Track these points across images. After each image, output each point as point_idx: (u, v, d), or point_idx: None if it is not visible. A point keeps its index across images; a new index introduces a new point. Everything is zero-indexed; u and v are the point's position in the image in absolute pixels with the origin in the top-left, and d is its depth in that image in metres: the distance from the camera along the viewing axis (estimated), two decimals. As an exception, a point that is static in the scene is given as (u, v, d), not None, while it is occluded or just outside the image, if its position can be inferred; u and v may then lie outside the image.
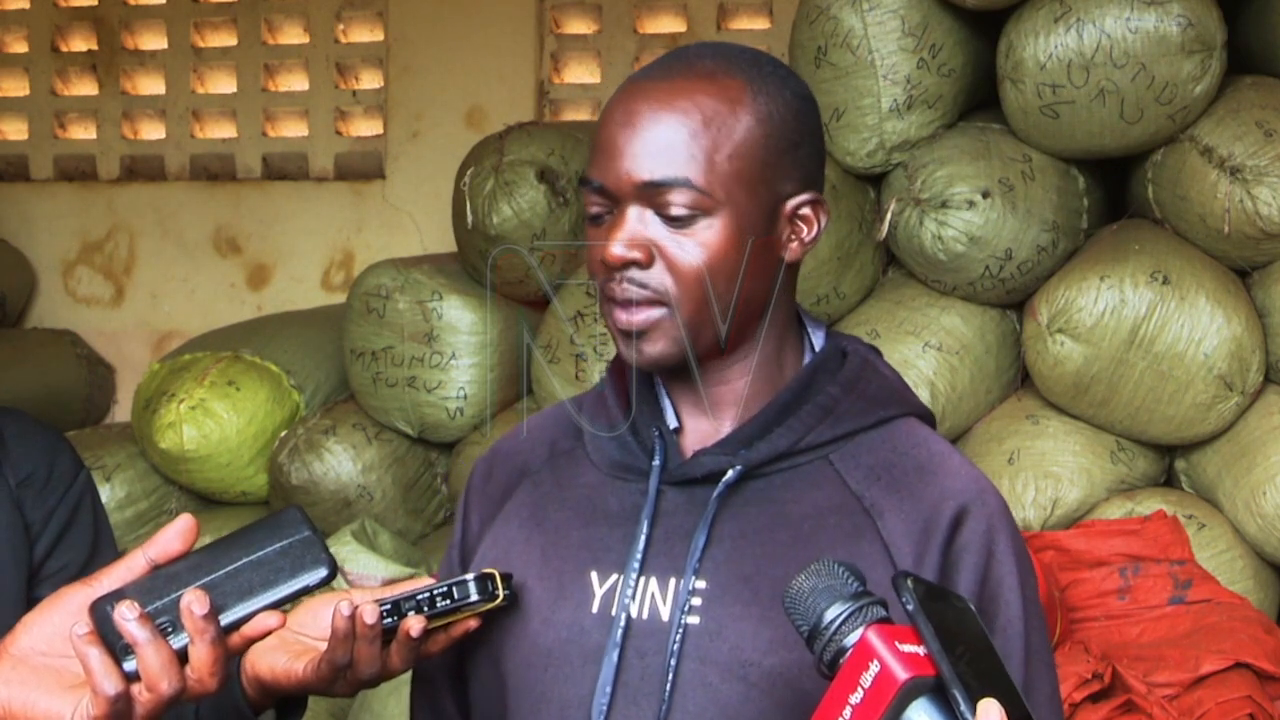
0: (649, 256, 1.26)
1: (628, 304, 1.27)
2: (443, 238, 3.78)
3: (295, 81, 4.46)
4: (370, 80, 4.39)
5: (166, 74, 4.54)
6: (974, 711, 0.90)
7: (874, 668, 0.93)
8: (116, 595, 1.03)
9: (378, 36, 4.35)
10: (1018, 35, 2.88)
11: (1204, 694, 2.46)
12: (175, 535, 1.07)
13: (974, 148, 2.98)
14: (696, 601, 1.26)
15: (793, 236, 1.32)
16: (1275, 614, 2.83)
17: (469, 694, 1.38)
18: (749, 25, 4.16)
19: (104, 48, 4.59)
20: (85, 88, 4.64)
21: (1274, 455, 2.75)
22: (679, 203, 1.25)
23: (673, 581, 1.27)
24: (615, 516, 1.31)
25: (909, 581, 0.96)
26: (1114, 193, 3.19)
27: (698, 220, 1.26)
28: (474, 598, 1.19)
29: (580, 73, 4.25)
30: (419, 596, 1.19)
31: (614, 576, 1.29)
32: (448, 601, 1.18)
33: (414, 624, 1.18)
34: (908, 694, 0.92)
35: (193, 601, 1.02)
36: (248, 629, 1.05)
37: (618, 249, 1.26)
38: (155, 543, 1.07)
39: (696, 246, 1.26)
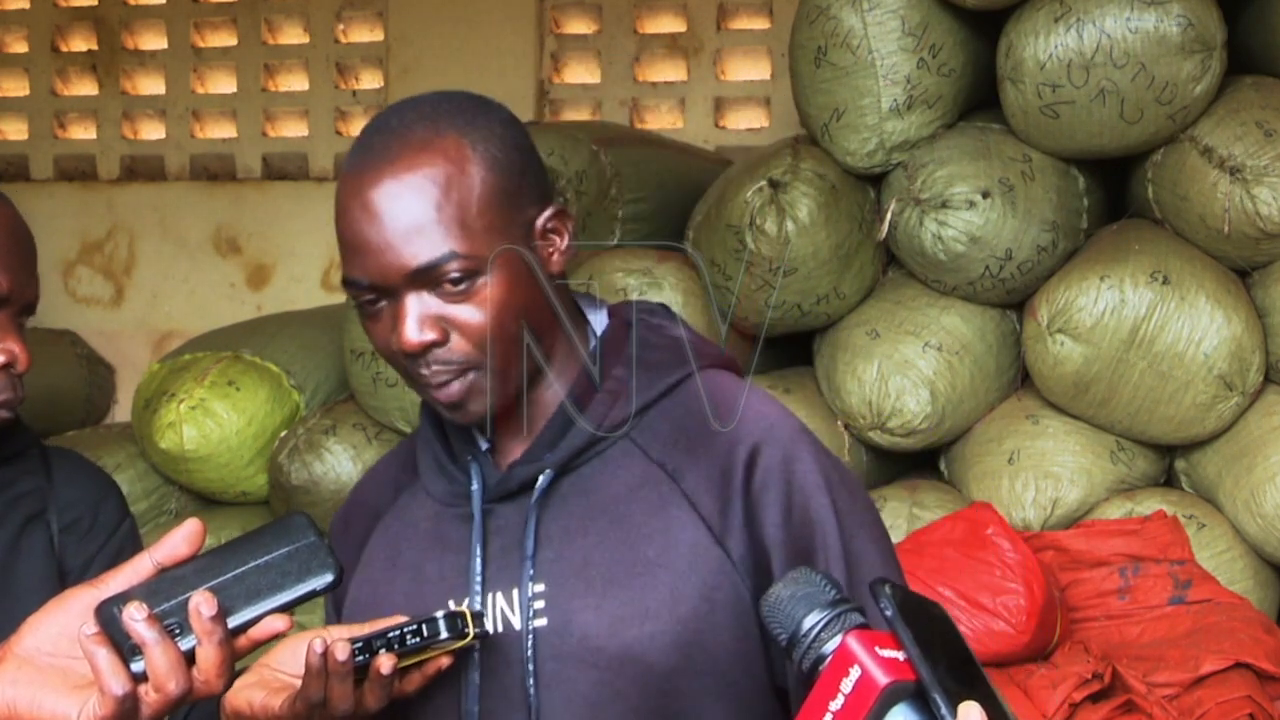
0: (444, 334, 1.29)
1: (441, 384, 1.30)
2: (443, 238, 3.77)
3: (295, 81, 4.46)
4: (370, 80, 4.39)
5: (166, 74, 4.54)
6: (955, 715, 0.90)
7: (854, 673, 0.93)
8: (123, 597, 1.04)
9: (378, 36, 4.35)
10: (1018, 35, 2.88)
11: (1204, 694, 2.46)
12: (182, 539, 1.07)
13: (974, 148, 2.98)
14: (540, 604, 1.31)
15: (549, 250, 1.36)
16: (1275, 614, 2.83)
17: None
18: (749, 25, 4.16)
19: (104, 48, 4.59)
20: (85, 88, 4.65)
21: (1274, 455, 2.75)
22: (452, 275, 1.28)
23: (515, 592, 1.32)
24: (457, 544, 1.36)
25: (887, 588, 0.96)
26: (1114, 193, 3.19)
27: (473, 283, 1.29)
28: (444, 635, 1.20)
29: (580, 73, 4.25)
30: (390, 634, 1.21)
31: (466, 600, 1.33)
32: (417, 639, 1.20)
33: (384, 662, 1.20)
34: (889, 699, 0.92)
35: (201, 603, 1.02)
36: (255, 631, 1.06)
37: (413, 336, 1.28)
38: (162, 546, 1.07)
39: (480, 307, 1.29)
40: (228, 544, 1.09)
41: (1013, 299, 3.04)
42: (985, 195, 2.92)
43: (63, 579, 1.55)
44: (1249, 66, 3.04)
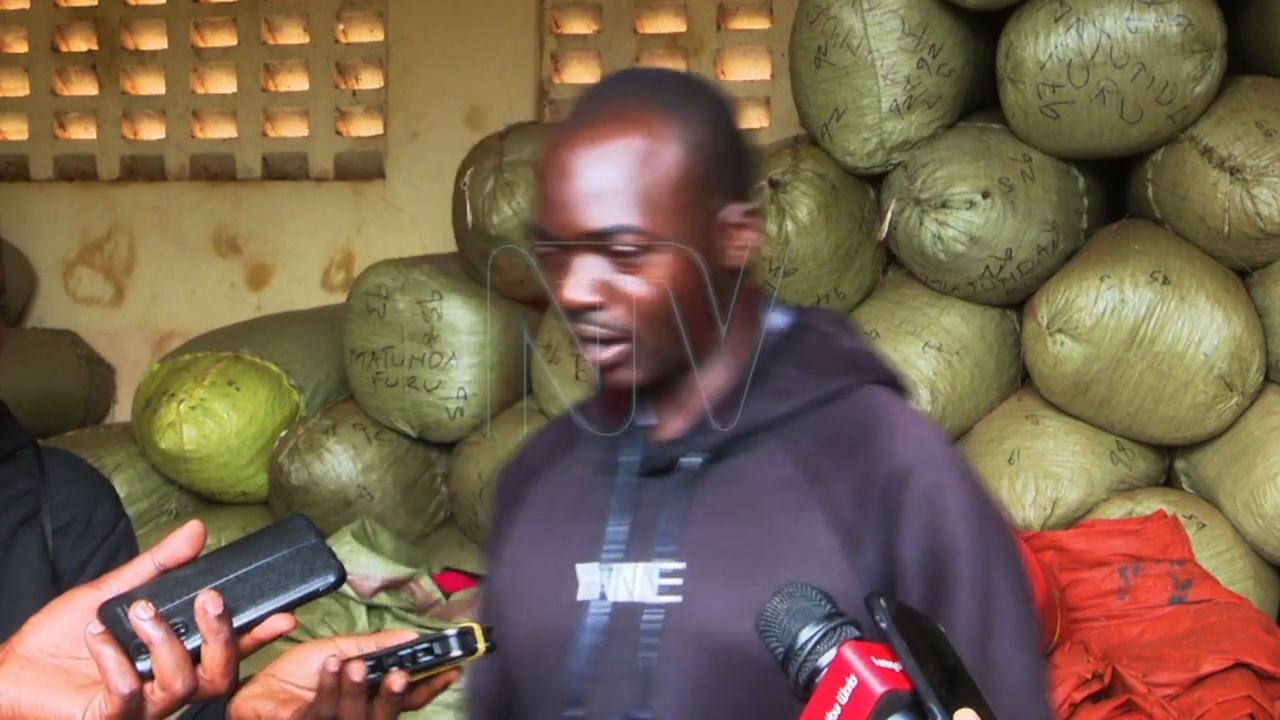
0: (605, 298, 1.33)
1: (593, 341, 1.34)
2: (443, 238, 3.78)
3: (295, 81, 4.46)
4: (370, 80, 4.39)
5: (166, 74, 4.54)
6: None
7: (850, 683, 0.94)
8: (126, 598, 1.04)
9: (378, 36, 4.35)
10: (1018, 35, 2.88)
11: (1204, 694, 2.46)
12: (184, 540, 1.07)
13: (974, 148, 2.98)
14: (678, 581, 1.33)
15: (734, 246, 1.38)
16: (1275, 614, 2.83)
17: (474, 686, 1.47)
18: (749, 25, 4.16)
19: (104, 48, 4.59)
20: (85, 88, 4.65)
21: (1274, 455, 2.75)
22: (624, 246, 1.32)
23: (652, 565, 1.35)
24: (600, 510, 1.39)
25: (882, 600, 0.97)
26: (1114, 193, 3.19)
27: (644, 258, 1.32)
28: (455, 653, 1.22)
29: (580, 73, 4.25)
30: (402, 653, 1.22)
31: (598, 566, 1.37)
32: (430, 657, 1.21)
33: (396, 681, 1.21)
34: (885, 708, 0.93)
35: (207, 602, 1.02)
36: (259, 631, 1.06)
37: (574, 294, 1.33)
38: (163, 548, 1.07)
39: (647, 282, 1.33)
40: (229, 546, 1.09)
41: (1013, 299, 3.04)
42: (985, 195, 2.92)
43: (57, 580, 1.54)
44: (1249, 66, 3.05)
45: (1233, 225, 2.81)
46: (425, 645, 1.21)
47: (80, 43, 4.65)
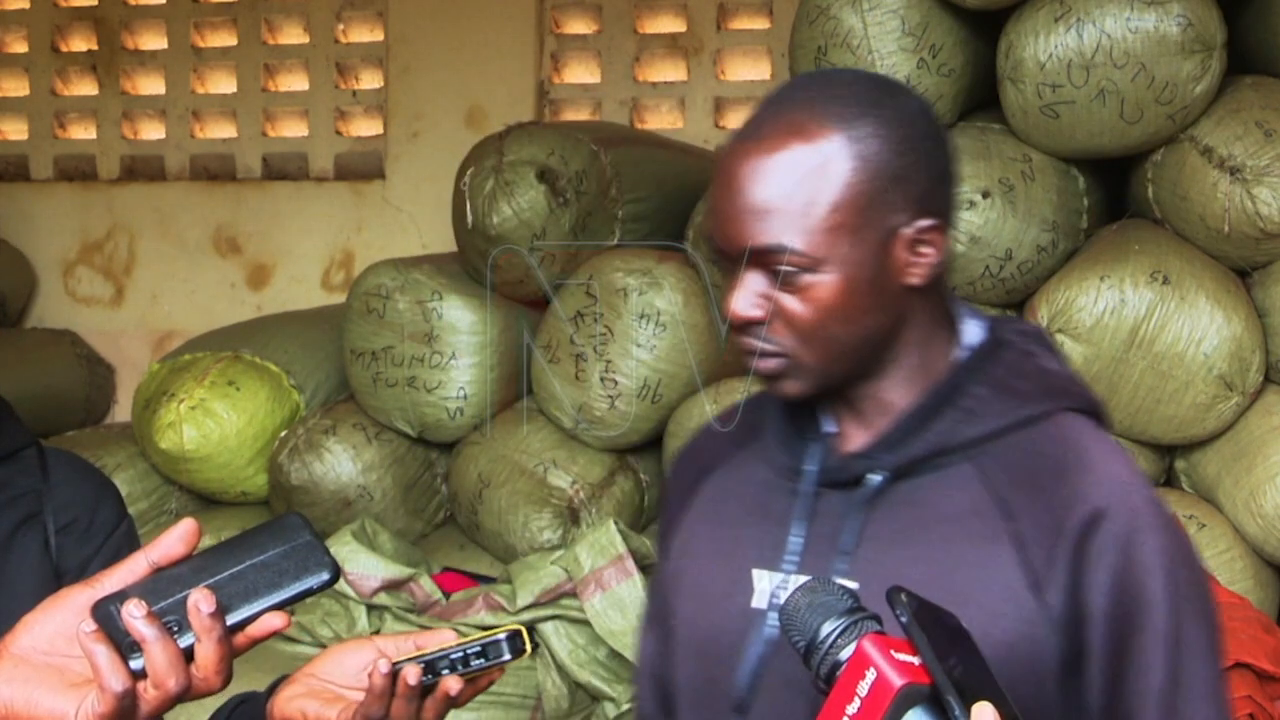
0: (766, 314, 1.30)
1: (753, 354, 1.32)
2: (443, 238, 3.78)
3: (295, 81, 4.46)
4: (370, 80, 4.39)
5: (166, 74, 4.54)
6: (969, 717, 0.91)
7: (870, 676, 0.95)
8: (120, 596, 1.04)
9: (378, 36, 4.35)
10: (1018, 35, 2.88)
11: (1204, 694, 2.45)
12: (177, 538, 1.07)
13: (974, 148, 2.98)
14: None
15: (914, 263, 1.31)
16: (1275, 614, 2.83)
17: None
18: (749, 25, 4.16)
19: (104, 48, 4.59)
20: (85, 88, 4.65)
21: (1274, 455, 2.75)
22: (782, 265, 1.28)
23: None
24: (779, 516, 1.36)
25: (903, 595, 0.98)
26: (1114, 193, 3.19)
27: (804, 278, 1.28)
28: (507, 657, 1.24)
29: (580, 73, 4.25)
30: (452, 656, 1.23)
31: (774, 574, 1.34)
32: (482, 660, 1.23)
33: (453, 684, 1.22)
34: (903, 701, 0.93)
35: (200, 600, 1.02)
36: (253, 629, 1.06)
37: (739, 308, 1.30)
38: (157, 546, 1.07)
39: (807, 303, 1.28)
40: (223, 544, 1.09)
41: (1013, 299, 3.04)
42: (985, 195, 2.92)
43: (59, 579, 1.54)
44: (1249, 66, 3.04)
45: (1233, 225, 2.81)
46: (477, 649, 1.23)
47: (80, 43, 4.65)
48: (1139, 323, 2.78)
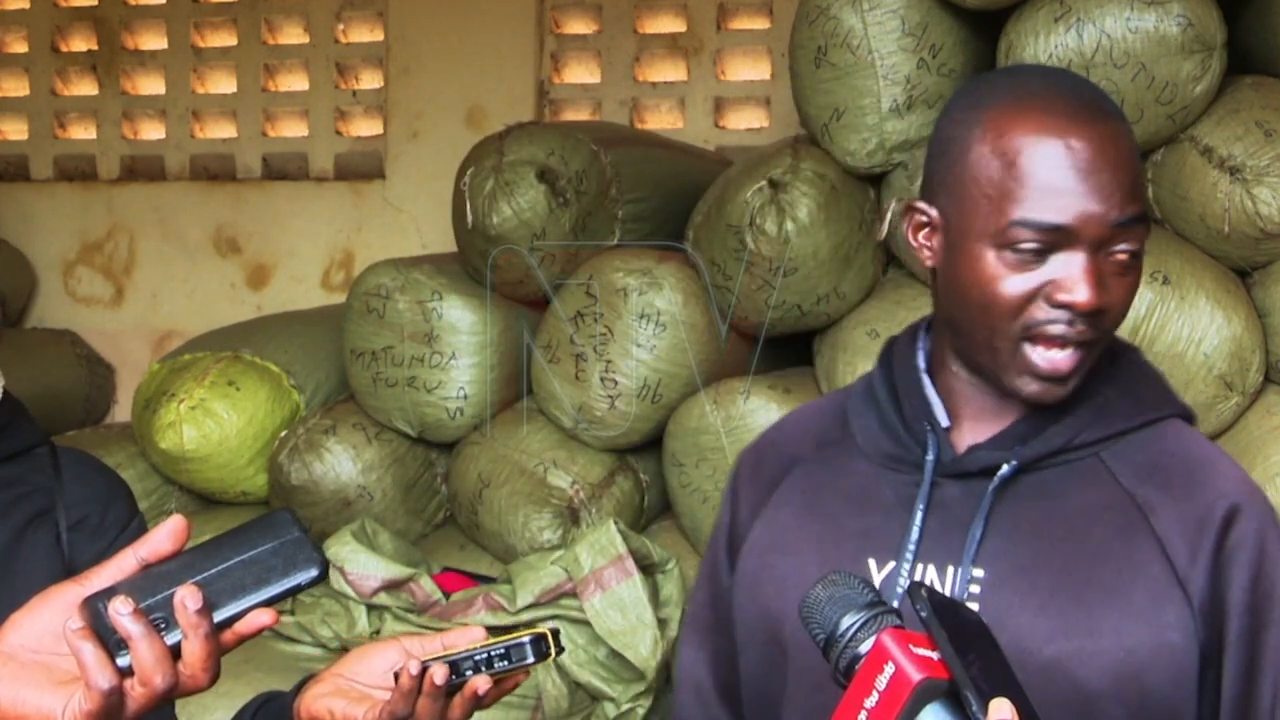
0: (1104, 301, 1.27)
1: (1066, 345, 1.28)
2: (443, 238, 3.78)
3: (295, 81, 4.46)
4: (370, 80, 4.39)
5: (166, 74, 4.54)
6: (986, 713, 0.91)
7: (889, 670, 0.95)
8: (108, 593, 1.04)
9: (378, 36, 4.36)
10: (1018, 35, 2.88)
11: (1204, 694, 2.45)
12: (166, 535, 1.07)
13: (974, 148, 2.98)
14: (975, 589, 1.30)
15: None
16: (1275, 614, 2.83)
17: (739, 669, 1.45)
18: (749, 25, 4.16)
19: (104, 48, 4.59)
20: (85, 88, 4.65)
21: (1274, 455, 2.75)
22: (1131, 244, 1.27)
23: (950, 569, 1.31)
24: (889, 506, 1.36)
25: (923, 590, 0.98)
26: (1114, 193, 3.19)
27: (1137, 259, 1.28)
28: (531, 660, 1.25)
29: (580, 73, 4.26)
30: (477, 657, 1.25)
31: (890, 563, 1.34)
32: (506, 663, 1.25)
33: (481, 684, 1.24)
34: (922, 696, 0.94)
35: (186, 596, 1.02)
36: (240, 626, 1.06)
37: (1095, 296, 1.26)
38: (146, 543, 1.07)
39: (1129, 288, 1.29)
40: (212, 540, 1.09)
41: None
42: (985, 195, 2.92)
43: (70, 577, 1.55)
44: (1249, 66, 3.04)
45: (1233, 225, 2.81)
46: (501, 651, 1.24)
47: (80, 43, 4.65)
48: (1139, 323, 2.78)
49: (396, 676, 1.25)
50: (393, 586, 3.01)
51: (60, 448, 1.67)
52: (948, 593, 1.30)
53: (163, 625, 1.03)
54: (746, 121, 4.18)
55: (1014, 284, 1.27)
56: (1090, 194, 1.24)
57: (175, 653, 1.03)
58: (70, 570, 1.55)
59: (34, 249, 4.56)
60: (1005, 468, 1.31)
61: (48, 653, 1.04)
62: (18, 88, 4.70)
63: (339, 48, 4.40)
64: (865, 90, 3.00)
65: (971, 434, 1.37)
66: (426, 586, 3.03)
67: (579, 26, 4.25)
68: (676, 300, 3.09)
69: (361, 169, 4.36)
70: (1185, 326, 2.77)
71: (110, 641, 1.02)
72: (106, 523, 1.62)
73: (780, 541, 1.42)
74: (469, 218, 3.28)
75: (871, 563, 1.35)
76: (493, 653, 1.24)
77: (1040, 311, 1.27)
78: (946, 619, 0.97)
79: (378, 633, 2.98)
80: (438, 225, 3.96)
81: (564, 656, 2.86)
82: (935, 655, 0.95)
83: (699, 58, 4.16)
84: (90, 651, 1.00)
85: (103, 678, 1.00)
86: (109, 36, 4.58)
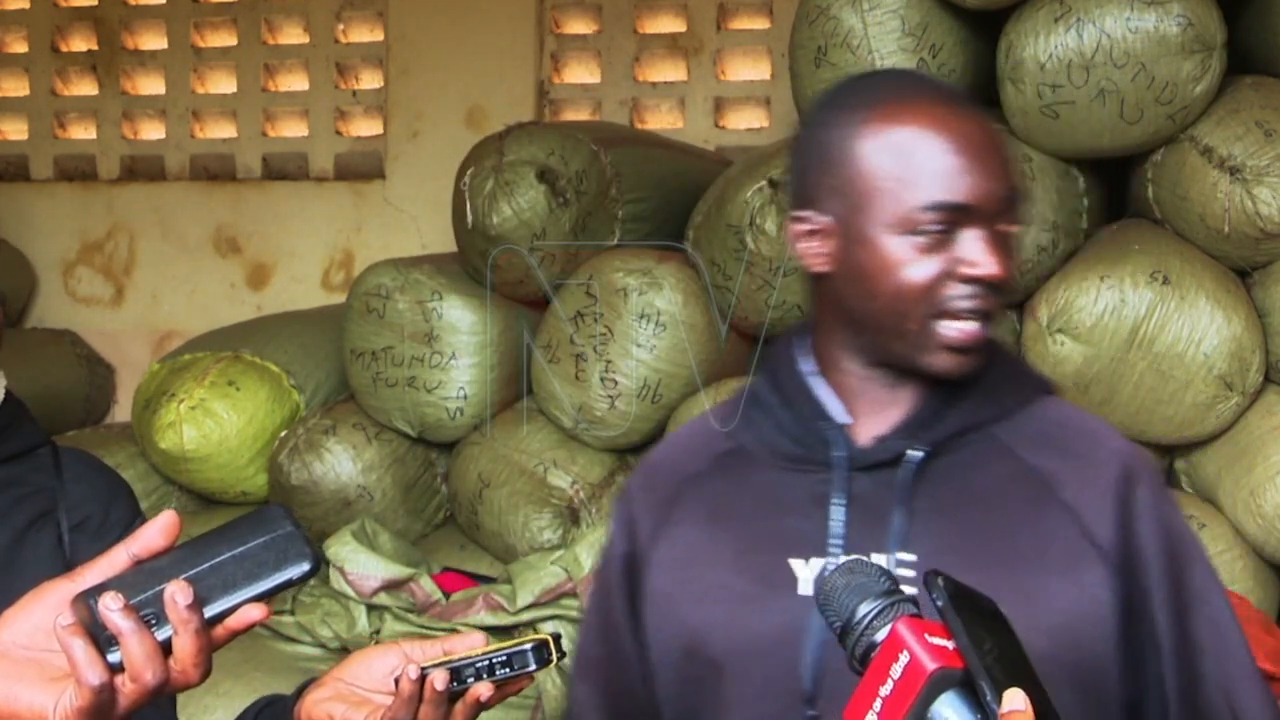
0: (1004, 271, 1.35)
1: (975, 317, 1.34)
2: (443, 238, 3.78)
3: (295, 81, 4.46)
4: (370, 80, 4.39)
5: (166, 74, 4.54)
6: (1000, 702, 0.91)
7: (903, 658, 0.95)
8: (99, 589, 1.03)
9: (378, 36, 4.35)
10: (1018, 35, 2.88)
11: (1204, 694, 2.45)
12: (157, 531, 1.07)
13: (974, 148, 2.98)
14: (908, 574, 1.32)
15: None
16: (1275, 614, 2.83)
17: (655, 692, 1.44)
18: (749, 25, 4.16)
19: (104, 48, 4.59)
20: (85, 88, 4.65)
21: (1274, 455, 2.75)
22: (1018, 218, 1.36)
23: (879, 559, 1.33)
24: (803, 505, 1.38)
25: (940, 580, 0.98)
26: (1114, 193, 3.19)
27: (1017, 236, 1.36)
28: (533, 667, 1.25)
29: (580, 73, 4.25)
30: (478, 664, 1.24)
31: (815, 560, 1.35)
32: (507, 670, 1.24)
33: (484, 690, 1.24)
34: (936, 685, 0.94)
35: (176, 592, 1.02)
36: (232, 621, 1.05)
37: (1001, 266, 1.33)
38: (137, 538, 1.07)
39: (1016, 262, 1.37)
40: (204, 535, 1.09)
41: (1013, 299, 3.04)
42: (985, 195, 2.92)
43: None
44: (1249, 66, 3.04)
45: (1233, 225, 2.81)
46: (503, 658, 1.24)
47: (80, 43, 4.65)
48: (1139, 323, 2.78)
49: (398, 682, 1.24)
50: (393, 586, 3.01)
51: (62, 448, 1.67)
52: None
53: (153, 621, 1.03)
54: (746, 121, 4.18)
55: (922, 267, 1.32)
56: (984, 172, 1.32)
57: (166, 648, 1.03)
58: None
59: (34, 249, 4.55)
60: (918, 453, 1.36)
61: (40, 649, 1.04)
62: (18, 88, 4.70)
63: (339, 48, 4.40)
64: (865, 90, 3.00)
65: (870, 428, 1.40)
66: (426, 586, 3.03)
67: (579, 26, 4.25)
68: (676, 300, 3.09)
69: (361, 169, 4.36)
70: (1185, 326, 2.77)
71: (101, 638, 1.01)
72: (109, 523, 1.61)
73: (693, 555, 1.42)
74: (469, 218, 3.28)
75: (795, 562, 1.36)
76: (495, 659, 1.24)
77: (950, 289, 1.32)
78: (963, 608, 0.97)
79: (378, 633, 2.98)
80: (438, 225, 3.96)
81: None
82: (950, 644, 0.95)
83: (699, 58, 4.16)
84: (80, 648, 1.00)
85: (93, 674, 1.00)
86: (109, 36, 4.58)
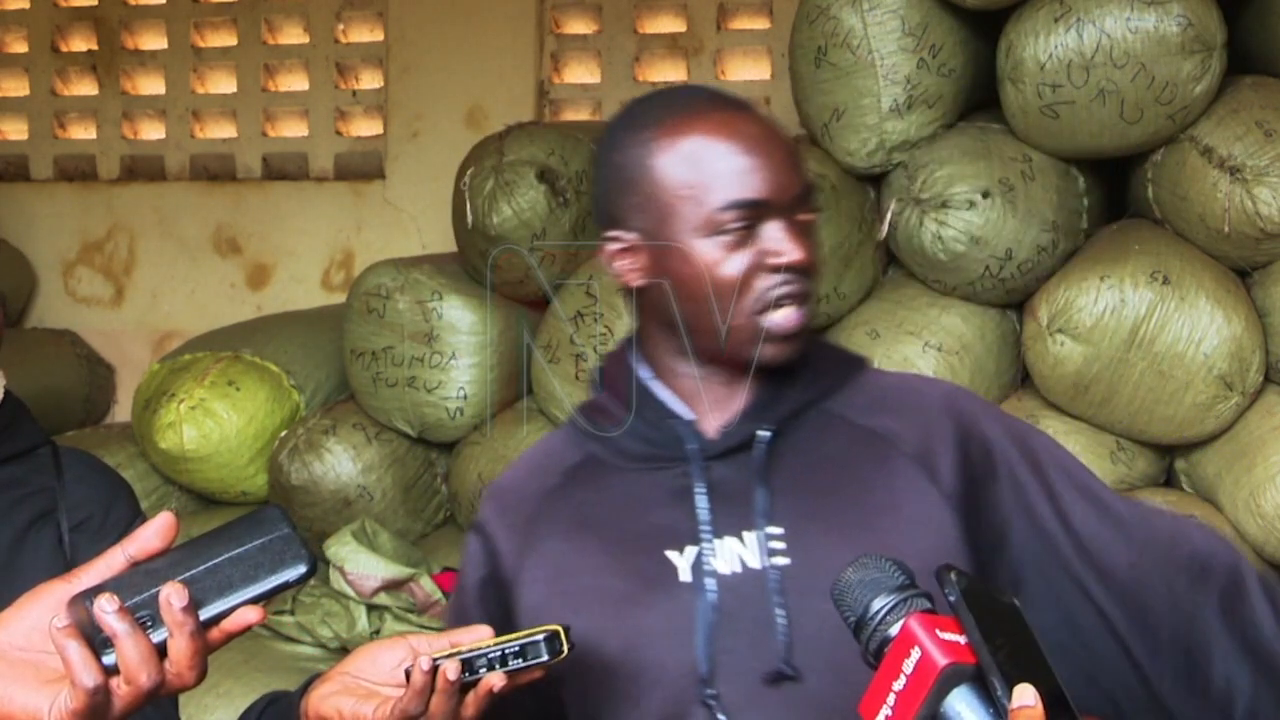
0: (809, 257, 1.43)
1: (791, 303, 1.41)
2: (443, 238, 3.78)
3: (295, 81, 4.46)
4: (370, 80, 4.39)
5: (166, 74, 4.54)
6: (1011, 697, 0.92)
7: (915, 654, 0.96)
8: (95, 590, 1.03)
9: (378, 36, 4.35)
10: (1018, 35, 2.88)
11: (1204, 694, 2.45)
12: (154, 533, 1.07)
13: (974, 148, 2.98)
14: (779, 545, 1.39)
15: None
16: (1275, 614, 2.82)
17: (561, 695, 1.47)
18: (749, 25, 4.16)
19: (104, 48, 4.59)
20: (85, 88, 4.65)
21: (1274, 455, 2.75)
22: (813, 206, 1.43)
23: (750, 536, 1.40)
24: (666, 500, 1.44)
25: (952, 575, 0.99)
26: (1114, 193, 3.19)
27: (814, 223, 1.44)
28: (545, 657, 1.25)
29: (580, 73, 4.25)
30: (490, 655, 1.24)
31: (690, 548, 1.41)
32: (520, 661, 1.25)
33: (496, 680, 1.24)
34: (947, 680, 0.95)
35: (171, 594, 1.02)
36: (227, 623, 1.05)
37: (805, 251, 1.40)
38: (134, 540, 1.07)
39: (816, 245, 1.45)
40: (200, 537, 1.08)
41: (1013, 299, 3.04)
42: (985, 195, 2.92)
43: None
44: (1249, 66, 3.04)
45: (1233, 225, 2.81)
46: (515, 649, 1.24)
47: (80, 43, 4.65)
48: (1139, 323, 2.78)
49: (408, 674, 1.24)
50: (393, 586, 3.01)
51: (62, 448, 1.67)
52: (754, 555, 1.38)
53: (149, 623, 1.03)
54: (746, 121, 4.17)
55: (732, 263, 1.39)
56: (774, 168, 1.39)
57: (162, 651, 1.03)
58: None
59: (34, 249, 4.55)
60: (766, 433, 1.43)
61: (37, 651, 1.04)
62: (18, 88, 4.70)
63: (339, 48, 4.40)
64: (865, 90, 3.00)
65: (715, 421, 1.47)
66: (426, 586, 3.03)
67: (579, 26, 4.25)
68: (676, 300, 3.09)
69: (361, 169, 4.36)
70: (1185, 326, 2.77)
71: (97, 640, 1.01)
72: (109, 523, 1.61)
73: (563, 567, 1.45)
74: (469, 218, 3.29)
75: (671, 554, 1.41)
76: (507, 650, 1.24)
77: (762, 280, 1.40)
78: (976, 603, 0.97)
79: (378, 633, 2.98)
80: (438, 225, 3.96)
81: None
82: (963, 640, 0.96)
83: (699, 58, 4.16)
84: (75, 649, 1.00)
85: (88, 676, 1.00)
86: (109, 36, 4.58)
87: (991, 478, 1.43)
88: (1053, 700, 0.93)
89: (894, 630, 1.00)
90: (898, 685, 0.96)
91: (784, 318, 1.41)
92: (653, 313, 1.48)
